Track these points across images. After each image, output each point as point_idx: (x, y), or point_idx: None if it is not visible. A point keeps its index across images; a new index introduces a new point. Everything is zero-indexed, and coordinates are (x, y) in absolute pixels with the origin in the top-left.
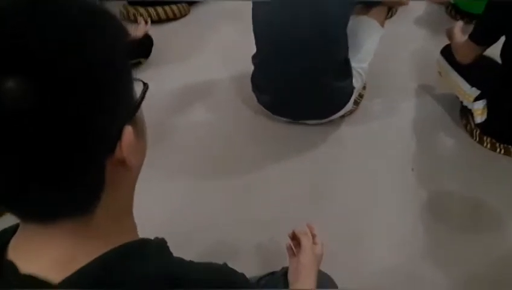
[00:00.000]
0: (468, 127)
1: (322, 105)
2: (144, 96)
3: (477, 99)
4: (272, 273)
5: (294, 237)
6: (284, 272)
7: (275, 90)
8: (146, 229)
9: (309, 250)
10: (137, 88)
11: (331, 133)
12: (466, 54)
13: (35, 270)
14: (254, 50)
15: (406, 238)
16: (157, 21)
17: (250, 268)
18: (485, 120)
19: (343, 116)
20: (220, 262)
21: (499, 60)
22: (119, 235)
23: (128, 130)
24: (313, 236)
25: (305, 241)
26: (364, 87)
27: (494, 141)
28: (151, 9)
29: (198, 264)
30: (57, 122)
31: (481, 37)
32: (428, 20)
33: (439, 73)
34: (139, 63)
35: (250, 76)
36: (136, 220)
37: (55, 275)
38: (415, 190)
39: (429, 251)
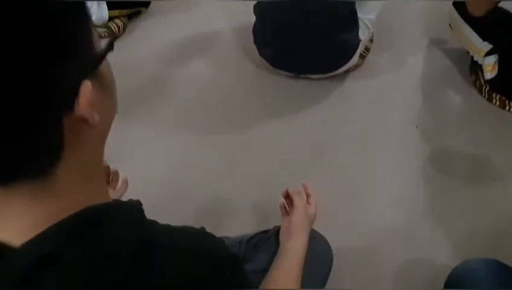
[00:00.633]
0: (478, 84)
1: (325, 58)
2: (108, 49)
3: (488, 54)
4: (265, 231)
5: (288, 196)
6: (276, 231)
7: (277, 42)
8: (144, 183)
9: (301, 209)
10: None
11: (334, 89)
12: (479, 5)
13: None
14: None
15: (407, 197)
16: None
17: (247, 225)
18: (496, 76)
19: (347, 71)
20: (216, 221)
21: None
22: (86, 199)
23: (86, 85)
24: (307, 196)
25: (298, 201)
26: (371, 40)
27: (503, 98)
28: None
29: (173, 228)
30: (3, 77)
31: None
32: None
33: (450, 26)
34: (138, 13)
35: (252, 28)
36: (134, 173)
37: (17, 242)
38: (418, 148)
39: (430, 211)
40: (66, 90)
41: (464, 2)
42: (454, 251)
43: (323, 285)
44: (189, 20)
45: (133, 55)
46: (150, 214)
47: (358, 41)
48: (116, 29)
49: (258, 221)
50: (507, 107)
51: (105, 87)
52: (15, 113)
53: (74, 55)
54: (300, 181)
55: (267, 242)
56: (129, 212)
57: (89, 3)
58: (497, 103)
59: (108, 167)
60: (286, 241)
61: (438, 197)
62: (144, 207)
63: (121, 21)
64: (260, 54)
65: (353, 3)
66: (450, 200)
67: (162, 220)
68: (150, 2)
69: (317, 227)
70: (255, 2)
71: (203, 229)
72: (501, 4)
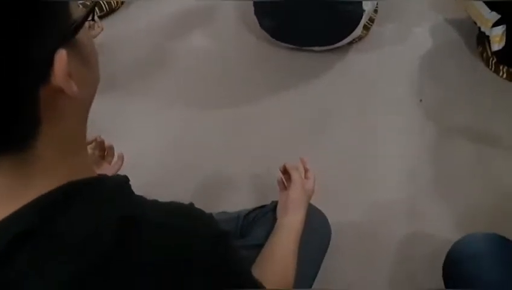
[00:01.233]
0: (484, 55)
1: (328, 29)
2: (85, 18)
3: (496, 24)
4: (262, 207)
5: (286, 171)
6: (274, 206)
7: (278, 13)
8: (143, 157)
9: (299, 184)
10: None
11: (337, 62)
12: None
13: None
14: None
15: (408, 173)
16: None
17: (245, 200)
18: (503, 48)
19: (351, 43)
20: (215, 195)
21: None
22: (70, 173)
23: (61, 55)
24: (305, 170)
25: (296, 176)
26: (375, 11)
27: (511, 70)
28: None
29: (161, 204)
30: None
31: None
32: None
33: None
34: None
35: None
36: (134, 146)
37: None
38: (421, 122)
39: (432, 186)
40: (39, 60)
41: None
42: (456, 227)
43: (320, 260)
44: None
45: (131, 28)
46: (148, 188)
47: (362, 11)
48: (114, 1)
49: (257, 196)
50: None
51: (84, 57)
52: None
53: (47, 24)
54: (299, 156)
55: (264, 217)
56: (114, 187)
57: None
58: (504, 76)
59: (103, 142)
60: (283, 216)
61: (441, 171)
62: (143, 181)
63: None
64: (261, 26)
65: None
66: (453, 174)
67: (161, 194)
68: None
69: (315, 202)
70: None
71: (191, 205)
72: None
